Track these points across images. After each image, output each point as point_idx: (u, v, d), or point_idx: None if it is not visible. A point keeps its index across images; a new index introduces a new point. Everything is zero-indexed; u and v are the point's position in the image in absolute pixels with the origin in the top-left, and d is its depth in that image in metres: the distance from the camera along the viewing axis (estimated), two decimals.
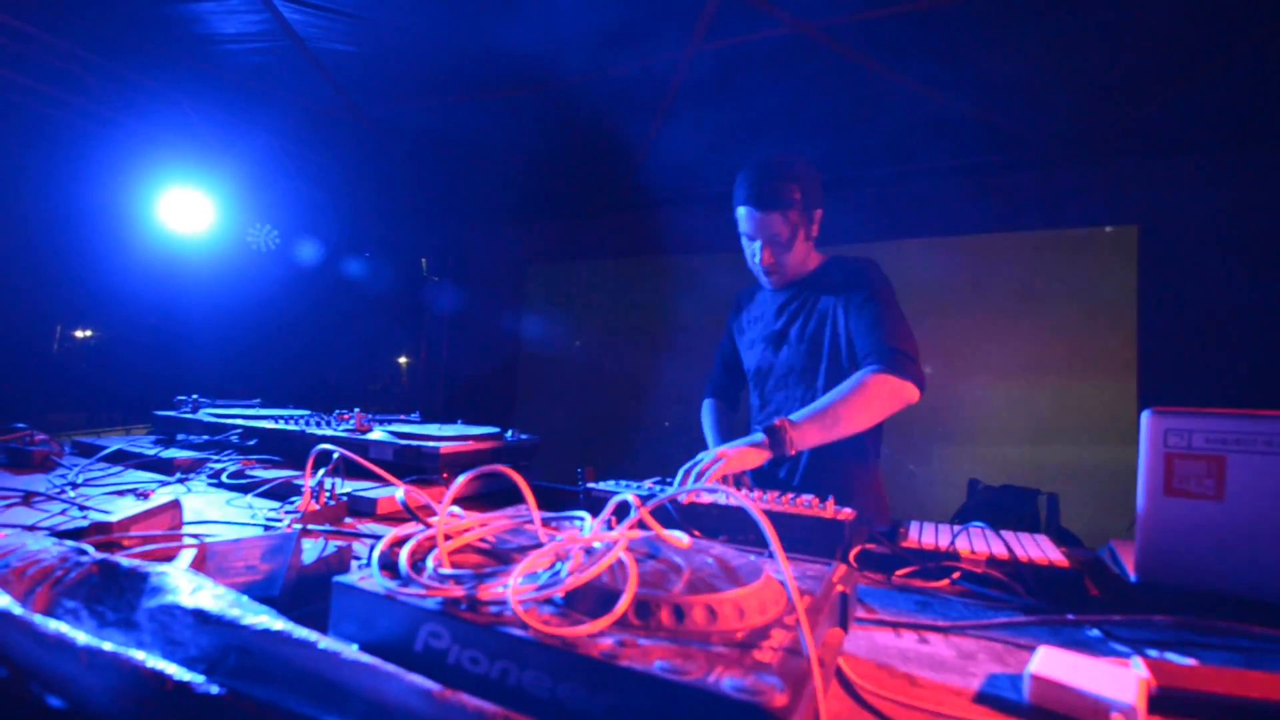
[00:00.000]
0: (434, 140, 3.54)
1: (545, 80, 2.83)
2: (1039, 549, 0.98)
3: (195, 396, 1.93)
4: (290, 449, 1.55)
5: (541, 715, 0.43)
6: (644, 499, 0.62)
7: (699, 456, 1.33)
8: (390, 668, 0.43)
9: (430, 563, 0.57)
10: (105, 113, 3.08)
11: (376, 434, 1.51)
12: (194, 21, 2.48)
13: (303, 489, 1.06)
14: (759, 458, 1.34)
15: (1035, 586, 0.86)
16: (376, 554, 0.58)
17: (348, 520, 1.13)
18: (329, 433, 1.54)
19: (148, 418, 1.91)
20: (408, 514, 0.69)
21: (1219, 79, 2.51)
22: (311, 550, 0.74)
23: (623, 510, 0.63)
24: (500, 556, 0.62)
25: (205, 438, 1.68)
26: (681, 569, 0.58)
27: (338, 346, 4.72)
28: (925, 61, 2.54)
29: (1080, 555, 1.08)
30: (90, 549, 0.64)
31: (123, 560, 0.60)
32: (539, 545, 0.61)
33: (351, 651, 0.44)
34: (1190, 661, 0.63)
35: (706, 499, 1.10)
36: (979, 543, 1.01)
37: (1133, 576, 0.90)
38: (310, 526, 1.02)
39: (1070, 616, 0.77)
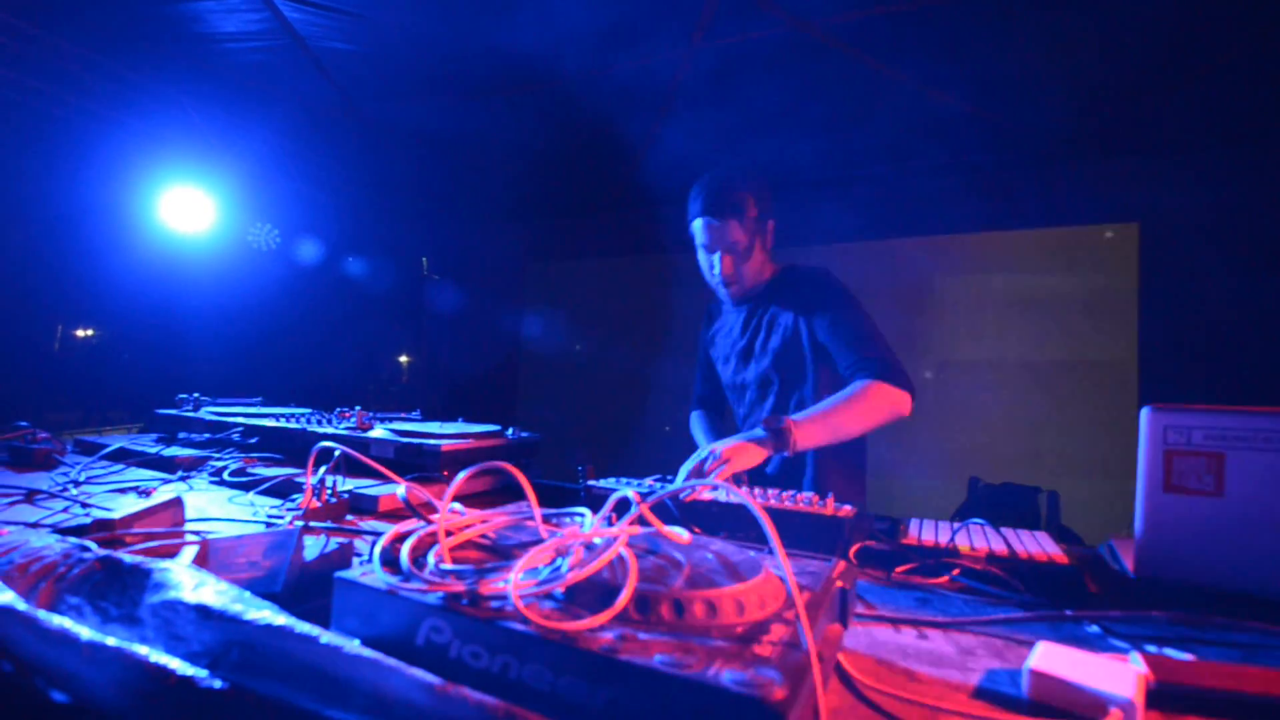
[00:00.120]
0: (434, 139, 3.54)
1: (546, 79, 2.83)
2: (1038, 546, 0.98)
3: (197, 395, 1.94)
4: (292, 447, 1.55)
5: (542, 709, 0.43)
6: (644, 496, 0.62)
7: (699, 453, 1.33)
8: (392, 662, 0.43)
9: (432, 559, 0.58)
10: (106, 112, 3.08)
11: (378, 432, 1.52)
12: (194, 20, 2.48)
13: (304, 486, 1.06)
14: (759, 454, 1.34)
15: (1034, 583, 0.86)
16: (378, 550, 0.59)
17: (349, 518, 1.13)
18: (330, 431, 1.54)
19: (149, 416, 1.91)
20: (409, 511, 0.69)
21: (1220, 78, 2.51)
22: (313, 547, 0.74)
23: (623, 507, 0.63)
24: (501, 552, 0.63)
25: (207, 436, 1.68)
26: (681, 564, 0.58)
27: (339, 345, 4.72)
28: (926, 60, 2.54)
29: (1080, 552, 1.09)
30: (93, 546, 0.64)
31: (125, 557, 0.61)
32: (540, 541, 0.61)
33: (353, 646, 0.45)
34: (1188, 657, 0.64)
35: (707, 496, 1.10)
36: (978, 539, 1.01)
37: (1132, 573, 0.90)
38: (312, 523, 1.03)
39: (1069, 613, 0.78)
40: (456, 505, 0.71)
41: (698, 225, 1.64)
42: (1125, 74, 2.55)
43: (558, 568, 0.55)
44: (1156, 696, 0.56)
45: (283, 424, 1.61)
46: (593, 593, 0.52)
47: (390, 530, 0.63)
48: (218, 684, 0.45)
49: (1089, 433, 3.48)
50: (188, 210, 3.45)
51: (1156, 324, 3.22)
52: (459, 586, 0.52)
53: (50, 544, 0.65)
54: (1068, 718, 0.53)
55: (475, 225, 5.16)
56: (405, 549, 0.58)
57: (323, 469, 1.10)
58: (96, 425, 2.95)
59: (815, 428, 1.39)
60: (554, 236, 5.03)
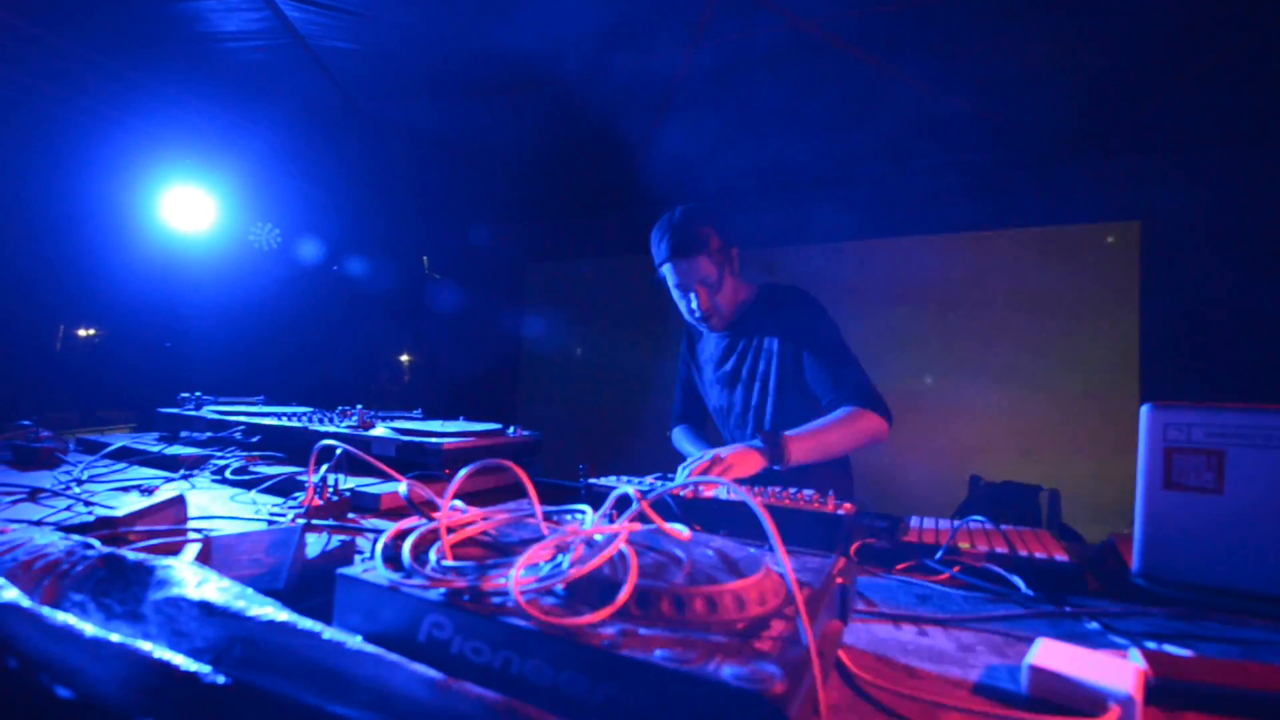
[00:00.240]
0: (435, 138, 3.55)
1: (546, 79, 2.83)
2: (1039, 543, 0.98)
3: (198, 394, 1.94)
4: (293, 446, 1.55)
5: (543, 704, 0.43)
6: (645, 493, 0.63)
7: (699, 455, 1.34)
8: (394, 657, 0.43)
9: (433, 555, 0.58)
10: (107, 111, 3.08)
11: (379, 430, 1.52)
12: (195, 19, 2.48)
13: (306, 484, 1.06)
14: (758, 463, 1.36)
15: (1034, 580, 0.86)
16: (380, 547, 0.59)
17: (351, 516, 1.13)
18: (332, 429, 1.54)
19: (149, 415, 1.91)
20: (411, 508, 0.70)
21: (1222, 76, 2.50)
22: (315, 544, 0.75)
23: (624, 504, 0.64)
24: (502, 549, 0.63)
25: (209, 434, 1.68)
26: (682, 561, 0.58)
27: (340, 344, 4.73)
28: (927, 59, 2.54)
29: (1080, 549, 1.09)
30: (96, 543, 0.65)
31: (128, 554, 0.61)
32: (541, 538, 0.61)
33: (356, 641, 0.45)
34: (1188, 653, 0.64)
35: (707, 494, 1.10)
36: (979, 537, 1.01)
37: (1132, 570, 0.90)
38: (314, 521, 1.03)
39: (1068, 609, 0.78)
40: (458, 503, 0.71)
41: (667, 269, 1.67)
42: (1127, 72, 2.54)
43: (559, 564, 0.55)
44: (1156, 692, 0.56)
45: (284, 423, 1.62)
46: (594, 589, 0.52)
47: (392, 528, 0.64)
48: (221, 680, 0.45)
49: (1090, 430, 3.48)
50: (189, 209, 3.45)
51: (1158, 322, 3.22)
52: (461, 583, 0.52)
53: (54, 541, 0.66)
54: (1067, 713, 0.53)
55: (477, 224, 5.16)
56: (407, 546, 0.58)
57: (324, 467, 1.10)
58: (92, 425, 2.95)
59: (807, 445, 1.44)
60: (555, 236, 5.03)
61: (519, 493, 1.34)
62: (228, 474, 1.35)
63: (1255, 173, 2.99)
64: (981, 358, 3.81)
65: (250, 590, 0.53)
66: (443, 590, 0.52)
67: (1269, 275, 2.91)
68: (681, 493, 1.10)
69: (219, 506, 1.14)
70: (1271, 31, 2.22)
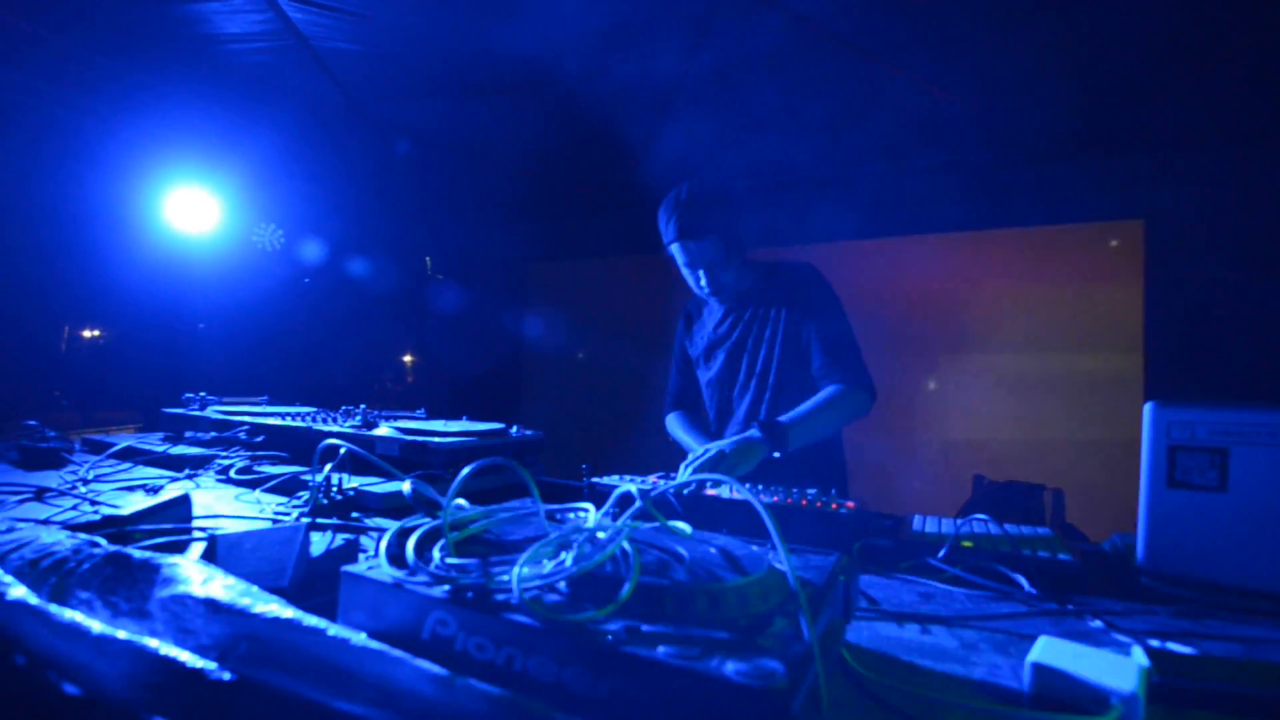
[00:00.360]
0: (438, 139, 3.56)
1: (548, 79, 2.84)
2: (1042, 542, 0.98)
3: (203, 394, 1.95)
4: (297, 445, 1.56)
5: (546, 700, 0.44)
6: (647, 492, 0.63)
7: (700, 452, 1.35)
8: (398, 653, 0.43)
9: (437, 553, 0.58)
10: (111, 113, 3.09)
11: (382, 430, 1.52)
12: (199, 21, 2.49)
13: (310, 484, 1.07)
14: (758, 454, 1.37)
15: (1038, 579, 0.86)
16: (384, 545, 0.59)
17: (355, 514, 1.14)
18: (335, 429, 1.55)
19: (153, 416, 1.92)
20: (414, 507, 0.70)
21: (1226, 75, 2.49)
22: (320, 543, 0.75)
23: (626, 502, 0.64)
24: (505, 547, 0.63)
25: (213, 434, 1.69)
26: (684, 558, 0.58)
27: (343, 344, 4.74)
28: (929, 58, 2.54)
29: (1083, 548, 1.08)
30: (103, 541, 0.65)
31: (134, 552, 0.61)
32: (544, 536, 0.61)
33: (360, 638, 0.45)
34: (1191, 651, 0.64)
35: (710, 492, 1.10)
36: (982, 535, 1.01)
37: (1135, 568, 0.90)
38: (318, 520, 1.03)
39: (1071, 607, 0.78)
40: (461, 501, 0.71)
41: (675, 249, 1.68)
42: (1130, 71, 2.54)
43: (561, 561, 0.55)
44: (1159, 690, 0.56)
45: (288, 423, 1.62)
46: (596, 586, 0.52)
47: (396, 526, 0.64)
48: (227, 676, 0.45)
49: (1095, 430, 3.47)
50: (193, 211, 3.46)
51: (1163, 320, 3.21)
52: (464, 580, 0.52)
53: (60, 540, 0.66)
54: (1070, 711, 0.53)
55: (479, 224, 5.17)
56: (411, 543, 0.58)
57: (328, 466, 1.10)
58: (96, 425, 2.97)
59: (802, 428, 1.47)
60: (556, 236, 5.03)
61: (522, 492, 1.35)
62: (232, 473, 1.36)
63: (1260, 171, 2.98)
64: (986, 357, 3.81)
65: (255, 588, 0.53)
66: (446, 587, 0.52)
67: (1274, 274, 2.90)
68: (685, 491, 1.10)
69: (224, 506, 1.14)
70: (1277, 28, 2.21)
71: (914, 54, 2.51)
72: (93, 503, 1.09)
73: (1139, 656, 0.60)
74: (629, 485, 0.65)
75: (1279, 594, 0.81)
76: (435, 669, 0.42)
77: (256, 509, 1.13)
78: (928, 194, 3.64)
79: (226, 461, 1.43)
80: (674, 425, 1.97)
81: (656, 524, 0.64)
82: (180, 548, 0.85)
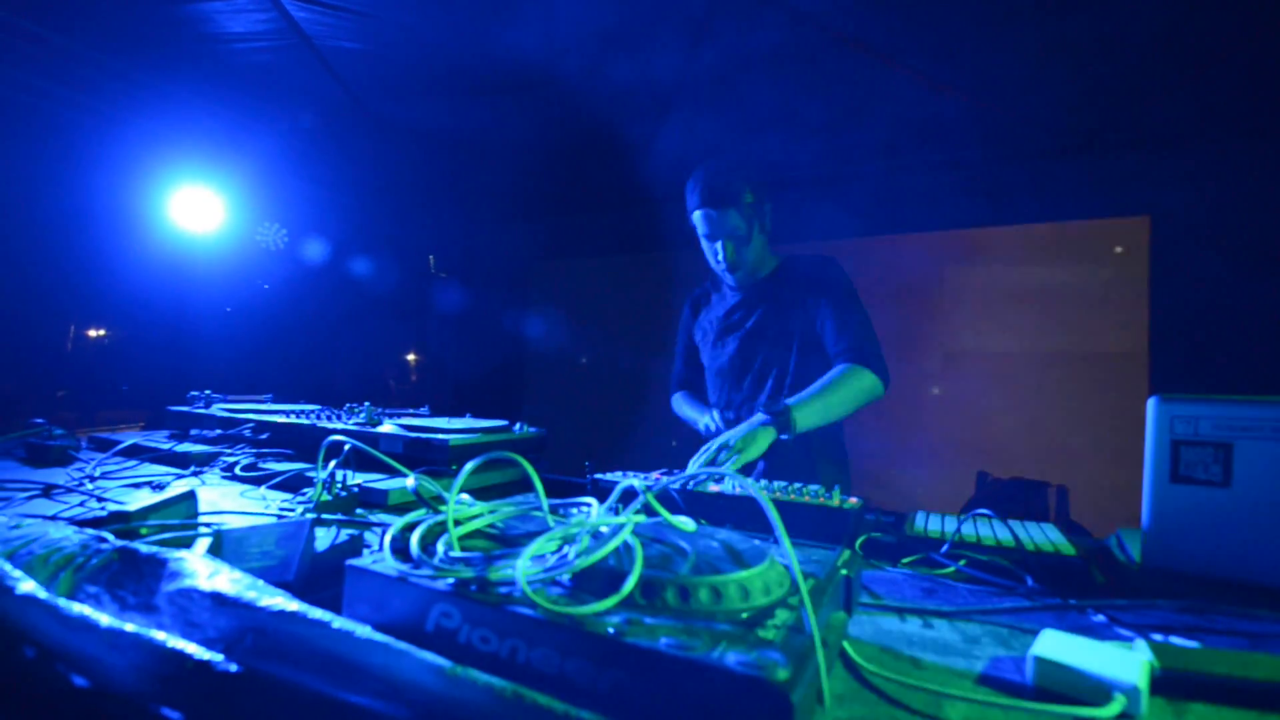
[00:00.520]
0: (441, 138, 3.56)
1: (550, 78, 2.84)
2: (1045, 537, 0.98)
3: (208, 392, 1.96)
4: (302, 443, 1.56)
5: (550, 691, 0.44)
6: (650, 487, 0.63)
7: (710, 446, 1.35)
8: (402, 645, 0.44)
9: (441, 547, 0.59)
10: (115, 113, 3.10)
11: (387, 427, 1.53)
12: (202, 21, 2.49)
13: (315, 480, 1.07)
14: (766, 440, 1.37)
15: (1041, 574, 0.86)
16: (389, 539, 0.59)
17: (359, 510, 1.14)
18: (340, 426, 1.55)
19: (161, 413, 1.93)
20: (419, 502, 0.70)
21: (1231, 70, 2.48)
22: (324, 538, 0.75)
23: (629, 497, 0.64)
24: (509, 541, 0.64)
25: (218, 432, 1.70)
26: (687, 552, 0.59)
27: (347, 342, 4.75)
28: (931, 57, 2.53)
29: (1087, 543, 1.08)
30: (110, 537, 0.66)
31: (141, 547, 0.62)
32: (547, 530, 0.62)
33: (365, 630, 0.46)
34: (1194, 645, 0.64)
35: (714, 487, 1.11)
36: (985, 531, 1.01)
37: (1139, 563, 0.90)
38: (323, 515, 1.04)
39: (1074, 602, 0.78)
40: (465, 496, 0.72)
41: (697, 216, 1.68)
42: (1135, 67, 2.52)
43: (565, 555, 0.56)
44: (1162, 683, 0.56)
45: (293, 420, 1.63)
46: (599, 579, 0.52)
47: (400, 521, 0.64)
48: (233, 668, 0.46)
49: (1099, 426, 3.46)
50: (197, 210, 3.47)
51: (1167, 317, 3.19)
52: (468, 573, 0.53)
53: (68, 535, 0.67)
54: (1072, 704, 0.53)
55: (482, 223, 5.18)
56: (415, 537, 0.59)
57: (333, 463, 1.11)
58: (100, 423, 2.98)
59: (811, 410, 1.45)
60: (559, 235, 5.03)
61: (525, 489, 1.35)
62: (237, 470, 1.36)
63: (1265, 167, 2.96)
64: (989, 354, 3.80)
65: (261, 582, 0.54)
66: (450, 580, 0.52)
67: (1278, 269, 2.88)
68: (688, 486, 1.10)
69: (229, 502, 1.15)
70: None
71: (915, 51, 2.50)
72: (100, 499, 1.10)
73: (1142, 650, 0.60)
74: (632, 480, 0.66)
75: None
76: (439, 661, 0.42)
77: (262, 505, 1.13)
78: (932, 191, 3.63)
79: (232, 459, 1.44)
80: (679, 403, 1.98)
81: (659, 518, 0.64)
82: (186, 543, 0.86)
